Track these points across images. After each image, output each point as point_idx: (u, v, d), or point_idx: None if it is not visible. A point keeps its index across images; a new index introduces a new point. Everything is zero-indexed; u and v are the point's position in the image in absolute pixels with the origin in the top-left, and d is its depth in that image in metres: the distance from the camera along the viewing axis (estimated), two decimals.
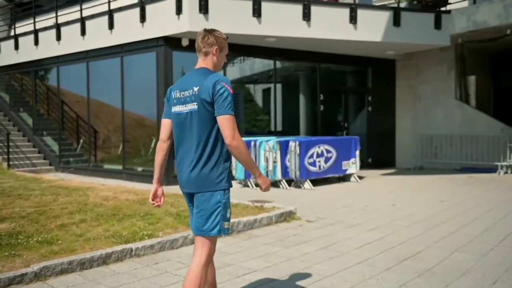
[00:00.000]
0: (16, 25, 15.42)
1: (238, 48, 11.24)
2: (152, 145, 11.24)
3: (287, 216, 6.83)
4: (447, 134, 13.57)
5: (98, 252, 4.56)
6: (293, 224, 6.64)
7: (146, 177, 11.00)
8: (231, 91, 2.89)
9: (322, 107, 13.27)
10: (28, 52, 14.05)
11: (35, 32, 13.72)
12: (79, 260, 4.37)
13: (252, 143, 10.31)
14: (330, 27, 10.93)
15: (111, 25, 11.38)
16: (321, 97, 13.23)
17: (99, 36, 11.72)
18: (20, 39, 14.41)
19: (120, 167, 11.82)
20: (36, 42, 13.69)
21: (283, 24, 10.58)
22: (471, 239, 5.75)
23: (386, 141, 14.43)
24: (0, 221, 5.73)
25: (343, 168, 11.11)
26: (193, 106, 2.94)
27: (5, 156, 12.97)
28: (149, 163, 11.41)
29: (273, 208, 7.02)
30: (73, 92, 13.68)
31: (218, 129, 2.89)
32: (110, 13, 11.38)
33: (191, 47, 10.77)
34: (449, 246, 5.46)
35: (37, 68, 14.40)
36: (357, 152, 11.31)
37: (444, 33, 11.94)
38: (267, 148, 10.25)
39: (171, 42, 10.49)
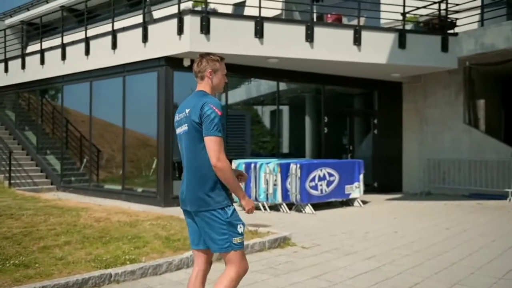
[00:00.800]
0: (28, 45, 15.61)
1: (240, 69, 11.15)
2: (154, 166, 11.07)
3: (282, 242, 6.57)
4: (455, 158, 13.23)
5: (75, 277, 4.35)
6: (287, 250, 6.37)
7: (146, 198, 10.85)
8: (219, 113, 3.01)
9: (326, 130, 13.05)
10: (34, 71, 14.14)
11: (41, 52, 13.82)
12: (53, 285, 4.16)
13: (253, 165, 10.11)
14: (333, 48, 10.80)
15: (114, 45, 11.39)
16: (326, 119, 13.03)
17: (102, 56, 11.73)
18: (27, 58, 14.53)
19: (119, 187, 11.66)
20: (42, 62, 13.78)
21: (285, 45, 10.48)
22: (473, 271, 5.43)
23: (392, 165, 14.12)
24: None
25: (346, 192, 10.82)
26: (185, 127, 3.14)
27: (7, 175, 12.90)
28: (150, 183, 11.26)
29: (268, 233, 6.77)
30: (78, 111, 13.67)
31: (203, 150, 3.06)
32: (114, 33, 11.40)
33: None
34: (449, 278, 5.15)
35: (42, 87, 14.48)
36: (361, 176, 11.03)
37: (451, 56, 11.73)
38: (267, 170, 10.03)
39: (173, 62, 10.43)
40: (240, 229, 3.16)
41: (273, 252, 6.24)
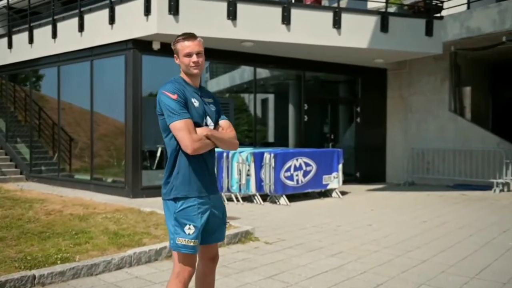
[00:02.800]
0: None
1: (214, 53, 10.56)
2: (124, 154, 10.52)
3: (243, 237, 6.09)
4: (440, 148, 12.79)
5: None
6: (247, 246, 5.89)
7: (115, 189, 10.33)
8: (172, 96, 2.77)
9: (306, 118, 12.54)
10: (2, 55, 13.48)
11: (9, 35, 13.17)
12: None
13: (225, 154, 9.59)
14: (312, 31, 10.25)
15: (81, 27, 10.77)
16: (306, 107, 12.51)
17: (69, 39, 11.12)
18: None
19: (88, 177, 11.13)
20: (10, 45, 13.13)
21: (260, 28, 9.92)
22: (444, 269, 4.99)
23: (375, 154, 13.66)
24: None
25: (324, 182, 10.35)
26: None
27: None
28: (120, 173, 10.71)
29: (229, 227, 6.28)
30: (51, 97, 13.05)
31: (172, 137, 2.84)
32: (81, 14, 10.78)
33: (163, 50, 10.19)
34: (417, 277, 4.69)
35: (11, 72, 13.83)
36: (340, 166, 10.55)
37: (436, 41, 11.23)
38: (240, 160, 9.53)
39: (141, 46, 9.85)
40: (188, 230, 2.80)
41: (232, 248, 5.75)
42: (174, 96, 2.77)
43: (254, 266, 5.02)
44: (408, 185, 12.85)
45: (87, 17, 10.73)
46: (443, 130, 12.88)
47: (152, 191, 9.91)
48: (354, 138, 13.56)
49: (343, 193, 10.96)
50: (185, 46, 2.84)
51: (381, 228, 7.14)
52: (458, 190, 11.80)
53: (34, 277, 4.06)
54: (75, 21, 10.91)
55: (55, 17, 11.58)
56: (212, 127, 2.92)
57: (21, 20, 13.83)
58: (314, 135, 13.01)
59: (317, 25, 10.30)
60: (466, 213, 8.59)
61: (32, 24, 12.44)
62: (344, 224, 7.41)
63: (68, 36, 11.18)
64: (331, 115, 13.53)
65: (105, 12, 10.16)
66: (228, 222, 5.97)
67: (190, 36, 2.88)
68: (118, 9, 9.99)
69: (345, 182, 11.87)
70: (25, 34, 12.56)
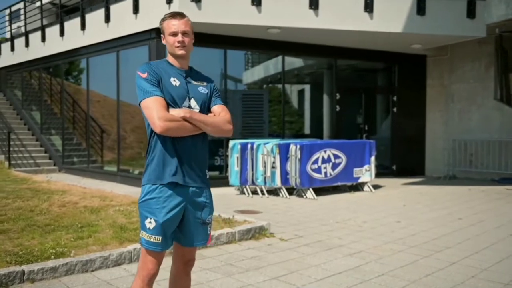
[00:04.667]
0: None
1: (239, 41, 10.26)
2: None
3: (257, 233, 5.74)
4: (484, 139, 11.92)
5: None
6: (261, 242, 5.54)
7: (141, 181, 10.21)
8: (142, 75, 2.54)
9: (338, 108, 11.99)
10: (36, 49, 13.70)
11: (42, 29, 13.34)
12: None
13: (249, 145, 9.25)
14: (341, 16, 9.70)
15: (107, 18, 10.70)
16: (337, 96, 11.96)
17: (97, 30, 11.08)
18: (30, 36, 14.10)
19: (114, 169, 11.10)
20: (43, 39, 13.30)
21: (287, 13, 9.47)
22: (475, 274, 4.45)
23: (413, 146, 12.92)
24: None
25: (355, 175, 9.82)
26: None
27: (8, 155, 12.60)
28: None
29: (243, 222, 5.95)
30: (83, 89, 13.14)
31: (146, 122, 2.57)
32: (107, 5, 10.70)
33: None
34: (442, 282, 4.19)
35: (45, 65, 14.03)
36: (372, 158, 9.98)
37: (479, 23, 10.40)
38: (265, 151, 9.17)
39: None
40: (149, 224, 2.54)
41: (243, 244, 5.42)
42: (144, 75, 2.53)
43: (261, 265, 4.66)
44: (448, 179, 12.08)
45: (113, 8, 10.64)
46: (488, 120, 12.00)
47: None
48: (390, 129, 12.89)
49: (376, 186, 10.39)
50: (170, 25, 2.61)
51: (410, 226, 6.60)
52: (503, 185, 10.95)
53: (23, 272, 3.88)
54: (101, 12, 10.86)
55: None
56: (197, 110, 2.60)
57: (53, 14, 13.98)
58: (347, 126, 12.45)
59: (347, 9, 9.74)
60: (508, 210, 7.87)
61: (62, 17, 12.54)
62: (370, 220, 6.92)
63: (95, 28, 11.15)
64: (365, 105, 12.89)
65: (130, 2, 10.01)
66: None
67: (177, 14, 2.64)
68: None
69: (380, 175, 11.33)
70: (57, 27, 12.67)
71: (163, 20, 2.64)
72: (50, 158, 13.44)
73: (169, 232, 2.56)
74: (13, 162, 12.48)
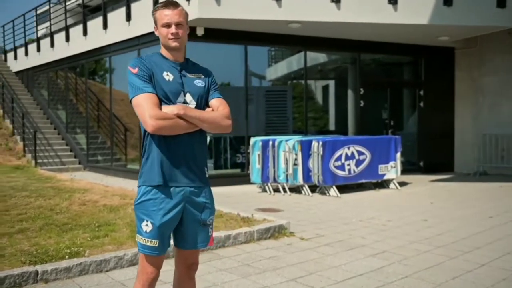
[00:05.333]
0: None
1: (259, 37, 10.10)
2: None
3: (276, 232, 5.59)
4: None
5: None
6: (280, 242, 5.39)
7: None
8: (132, 71, 2.40)
9: (362, 103, 11.70)
10: (61, 49, 13.88)
11: (66, 29, 13.49)
12: None
13: (271, 142, 9.11)
14: (364, 9, 9.42)
15: (128, 17, 10.71)
16: (362, 91, 11.67)
17: (118, 29, 11.11)
18: (55, 36, 14.29)
19: (137, 167, 11.12)
20: (67, 39, 13.45)
21: (308, 7, 9.26)
22: (506, 276, 4.20)
23: (442, 142, 12.52)
24: None
25: (380, 172, 9.56)
26: None
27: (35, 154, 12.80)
28: None
29: (263, 221, 5.81)
30: (106, 87, 13.25)
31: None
32: (128, 3, 10.72)
33: (207, 36, 9.86)
34: (470, 286, 3.96)
35: (70, 65, 14.19)
36: (398, 155, 9.69)
37: (510, 12, 9.94)
38: (287, 148, 9.00)
39: None
40: (145, 227, 2.41)
41: (262, 244, 5.28)
42: (135, 70, 2.39)
43: (279, 265, 4.51)
44: (478, 175, 11.66)
45: (133, 6, 10.65)
46: None
47: None
48: (417, 124, 12.52)
49: (403, 184, 10.10)
50: (163, 15, 2.45)
51: (437, 224, 6.33)
52: None
53: (36, 273, 3.84)
54: (123, 11, 10.88)
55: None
56: (193, 106, 2.45)
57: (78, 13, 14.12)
58: (372, 122, 12.15)
59: (370, 2, 9.46)
60: None
61: (86, 17, 12.64)
62: (395, 219, 6.68)
63: (117, 27, 11.19)
64: (391, 99, 12.55)
65: (149, 0, 9.98)
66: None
67: (170, 4, 2.47)
68: None
69: (407, 171, 11.03)
70: (80, 27, 12.78)
71: (155, 10, 2.49)
72: (75, 157, 13.60)
73: (167, 235, 2.44)
74: (39, 161, 12.67)
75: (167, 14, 2.42)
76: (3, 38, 18.85)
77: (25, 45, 16.30)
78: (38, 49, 15.32)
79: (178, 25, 2.43)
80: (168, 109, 2.34)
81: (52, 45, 14.38)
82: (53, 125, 14.77)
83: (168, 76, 2.42)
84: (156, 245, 2.39)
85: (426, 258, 4.76)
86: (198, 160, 2.46)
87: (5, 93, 14.81)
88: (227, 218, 5.91)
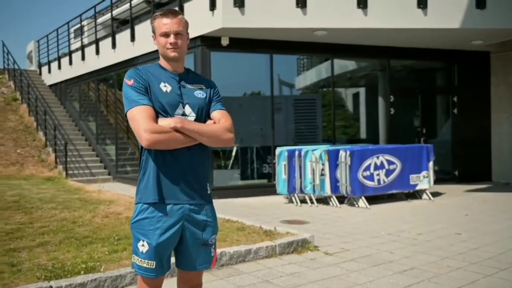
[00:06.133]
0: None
1: (284, 45, 9.97)
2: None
3: (299, 246, 5.39)
4: None
5: None
6: (303, 257, 5.19)
7: None
8: (128, 82, 2.29)
9: (392, 111, 11.36)
10: (91, 62, 14.13)
11: (96, 42, 13.73)
12: None
13: (297, 152, 8.92)
14: (392, 14, 9.16)
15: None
16: (392, 99, 11.34)
17: (145, 41, 11.19)
18: (86, 50, 14.58)
19: None
20: (97, 52, 13.69)
21: (333, 14, 9.08)
22: None
23: (478, 150, 12.01)
24: None
25: (412, 182, 9.20)
26: None
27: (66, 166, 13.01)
28: None
29: (286, 234, 5.62)
30: None
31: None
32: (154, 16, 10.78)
33: (232, 46, 9.80)
34: None
35: (100, 77, 14.43)
36: (430, 164, 9.32)
37: None
38: (313, 158, 8.79)
39: (209, 42, 9.54)
40: (142, 247, 2.28)
41: (284, 259, 5.09)
42: (130, 82, 2.28)
43: (301, 282, 4.31)
44: None
45: None
46: None
47: (225, 192, 9.61)
48: (450, 131, 12.06)
49: (436, 194, 9.70)
50: (161, 24, 2.35)
51: (472, 238, 5.98)
52: None
53: None
54: (149, 23, 10.95)
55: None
56: (193, 118, 2.32)
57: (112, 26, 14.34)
58: (403, 130, 11.77)
59: (399, 6, 9.19)
60: None
61: (114, 30, 12.83)
62: (426, 232, 6.36)
63: (143, 38, 11.27)
64: (422, 107, 12.14)
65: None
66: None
67: (169, 13, 2.37)
68: (187, 6, 9.80)
69: (440, 181, 10.61)
70: (109, 40, 12.98)
71: (153, 18, 2.39)
72: (105, 168, 13.76)
73: (165, 256, 2.30)
74: (70, 172, 12.87)
75: (166, 23, 2.32)
76: (38, 53, 19.41)
77: (58, 59, 16.71)
78: (70, 63, 15.66)
79: (177, 34, 2.33)
80: (165, 122, 2.22)
81: (83, 58, 14.67)
82: (84, 137, 15.03)
83: (165, 87, 2.30)
84: (153, 267, 2.26)
85: (458, 276, 4.46)
86: (198, 176, 2.33)
87: (38, 105, 15.18)
88: (249, 231, 5.76)
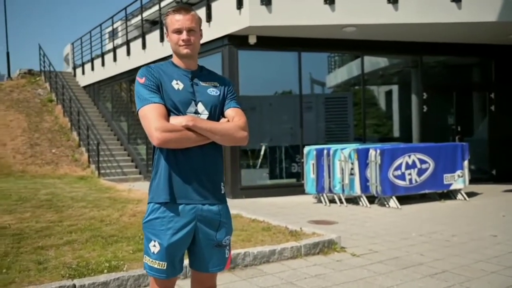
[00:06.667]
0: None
1: (313, 43, 9.82)
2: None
3: (325, 247, 5.27)
4: None
5: None
6: (329, 258, 5.06)
7: None
8: (140, 81, 2.25)
9: (425, 108, 11.03)
10: (123, 62, 14.35)
11: (127, 43, 13.94)
12: None
13: (325, 151, 8.77)
14: (424, 8, 8.88)
15: None
16: (425, 96, 11.02)
17: None
18: (118, 51, 14.82)
19: None
20: (128, 53, 13.89)
21: (363, 9, 8.88)
22: None
23: None
24: None
25: (446, 182, 8.90)
26: None
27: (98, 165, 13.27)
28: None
29: (312, 235, 5.51)
30: None
31: None
32: None
33: (260, 44, 9.73)
34: None
35: (130, 78, 14.62)
36: (465, 163, 8.98)
37: None
38: (342, 157, 8.62)
39: (237, 41, 9.50)
40: (153, 247, 2.23)
41: (309, 260, 4.98)
42: (142, 80, 2.25)
43: (325, 285, 4.20)
44: None
45: None
46: None
47: (253, 191, 9.58)
48: (487, 129, 11.62)
49: (471, 194, 9.36)
50: (174, 21, 2.30)
51: (508, 241, 5.71)
52: None
53: (74, 286, 3.80)
54: None
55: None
56: (205, 116, 2.26)
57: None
58: (437, 128, 11.42)
59: (430, 0, 8.89)
60: None
61: (144, 31, 12.98)
62: (460, 234, 6.12)
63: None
64: (457, 104, 11.73)
65: (203, 11, 10.03)
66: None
67: (181, 9, 2.33)
68: (214, 5, 9.79)
69: (477, 181, 10.25)
70: (139, 41, 13.14)
71: (166, 15, 2.35)
72: (136, 167, 13.95)
73: (177, 257, 2.25)
74: (102, 171, 13.11)
75: (178, 20, 2.27)
76: (73, 55, 19.89)
77: (91, 60, 17.07)
78: (103, 64, 15.97)
79: (190, 31, 2.28)
80: (176, 121, 2.17)
81: (115, 59, 14.93)
82: (116, 136, 15.29)
83: (177, 84, 2.26)
84: (164, 268, 2.21)
85: (492, 280, 4.25)
86: (211, 175, 2.27)
87: (72, 106, 15.54)
88: (274, 231, 5.67)
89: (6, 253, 4.64)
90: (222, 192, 2.33)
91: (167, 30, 2.35)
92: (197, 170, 2.23)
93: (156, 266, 2.22)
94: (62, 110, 16.23)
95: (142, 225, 2.31)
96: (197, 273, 2.35)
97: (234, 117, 2.31)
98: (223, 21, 9.50)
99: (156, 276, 2.24)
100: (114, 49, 15.06)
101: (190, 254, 2.32)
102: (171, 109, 2.21)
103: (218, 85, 2.37)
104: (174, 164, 2.21)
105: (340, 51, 10.77)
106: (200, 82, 2.33)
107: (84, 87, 18.17)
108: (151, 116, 2.14)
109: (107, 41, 17.62)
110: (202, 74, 2.37)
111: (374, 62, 11.41)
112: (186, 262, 2.44)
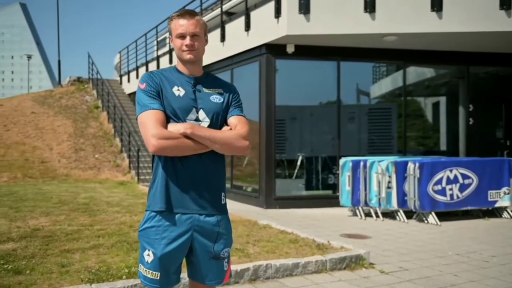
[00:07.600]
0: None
1: (352, 52, 9.61)
2: (258, 162, 10.21)
3: (353, 262, 5.06)
4: None
5: None
6: (355, 274, 4.86)
7: (250, 198, 10.09)
8: (141, 86, 2.22)
9: (471, 121, 10.53)
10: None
11: (170, 52, 14.21)
12: None
13: (362, 163, 8.52)
14: (470, 16, 8.50)
15: (223, 37, 10.91)
16: (471, 108, 10.52)
17: (213, 50, 11.36)
18: (161, 59, 15.14)
19: (228, 185, 11.14)
20: (170, 61, 14.16)
21: (404, 18, 8.61)
22: None
23: None
24: (10, 240, 5.37)
25: (490, 199, 8.43)
26: None
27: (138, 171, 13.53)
28: (255, 182, 10.41)
29: (340, 249, 5.32)
30: None
31: None
32: (222, 25, 10.93)
33: (298, 53, 9.62)
34: None
35: None
36: None
37: None
38: (379, 170, 8.34)
39: (274, 50, 9.44)
40: (147, 256, 2.19)
41: (335, 275, 4.80)
42: (143, 86, 2.22)
43: None
44: None
45: (227, 27, 10.82)
46: None
47: (287, 202, 9.45)
48: None
49: None
50: (177, 26, 2.26)
51: None
52: None
53: None
54: (217, 32, 11.11)
55: None
56: (206, 124, 2.19)
57: None
58: (484, 142, 10.87)
59: (478, 8, 8.52)
60: None
61: None
62: (501, 254, 5.73)
63: (211, 47, 11.43)
64: (506, 117, 11.14)
65: (242, 20, 10.07)
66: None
67: (186, 13, 2.28)
68: (253, 14, 9.80)
69: None
70: None
71: (170, 19, 2.29)
72: None
73: (172, 268, 2.18)
74: (141, 177, 13.35)
75: (182, 24, 2.23)
76: (120, 64, 20.52)
77: (136, 68, 17.53)
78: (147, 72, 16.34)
79: (193, 36, 2.23)
80: (174, 128, 2.12)
81: (158, 67, 15.24)
82: None
83: (178, 91, 2.20)
84: (158, 278, 2.15)
85: None
86: (211, 185, 2.19)
87: (116, 113, 15.98)
88: (301, 244, 5.52)
89: (33, 255, 4.75)
90: (223, 202, 2.25)
91: (171, 35, 2.31)
92: (196, 179, 2.16)
93: (149, 276, 2.17)
94: (106, 117, 16.73)
95: (138, 233, 2.26)
96: (195, 284, 2.28)
97: (236, 125, 2.24)
98: (261, 30, 9.48)
99: (149, 286, 2.19)
100: (157, 58, 15.40)
101: (189, 264, 2.26)
102: (171, 116, 2.17)
103: (223, 92, 2.31)
104: (172, 172, 2.15)
105: (380, 61, 10.49)
106: (204, 88, 2.27)
107: (129, 94, 18.68)
108: (148, 122, 2.10)
109: (154, 48, 18.04)
110: (206, 80, 2.32)
111: (420, 73, 11.04)
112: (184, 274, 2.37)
